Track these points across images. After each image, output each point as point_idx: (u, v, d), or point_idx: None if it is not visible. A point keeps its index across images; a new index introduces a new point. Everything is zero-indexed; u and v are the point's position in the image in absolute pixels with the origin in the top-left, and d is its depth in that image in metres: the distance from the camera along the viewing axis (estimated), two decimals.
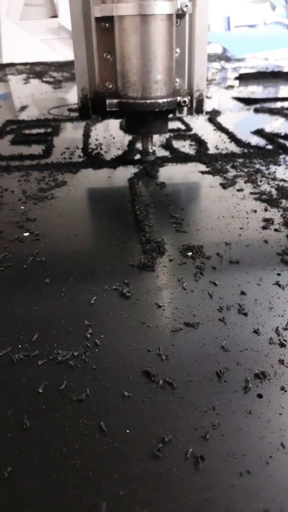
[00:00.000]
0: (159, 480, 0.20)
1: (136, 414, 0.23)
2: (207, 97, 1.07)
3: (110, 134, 0.76)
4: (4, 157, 0.64)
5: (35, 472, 0.20)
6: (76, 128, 0.81)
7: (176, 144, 0.69)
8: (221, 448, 0.21)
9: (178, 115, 0.57)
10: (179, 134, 0.75)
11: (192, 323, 0.29)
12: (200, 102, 0.56)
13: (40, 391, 0.24)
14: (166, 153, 0.65)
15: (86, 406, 0.24)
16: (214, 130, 0.78)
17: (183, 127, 0.79)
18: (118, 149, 0.67)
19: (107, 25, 0.51)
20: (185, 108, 0.56)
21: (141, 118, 0.54)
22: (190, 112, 0.57)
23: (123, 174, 0.57)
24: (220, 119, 0.84)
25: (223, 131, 0.76)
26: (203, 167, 0.59)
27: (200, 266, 0.36)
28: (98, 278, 0.35)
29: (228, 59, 1.93)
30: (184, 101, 0.54)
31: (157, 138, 0.73)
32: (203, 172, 0.57)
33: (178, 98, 0.53)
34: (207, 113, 0.90)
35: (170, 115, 0.58)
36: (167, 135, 0.74)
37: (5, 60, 2.07)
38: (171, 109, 0.54)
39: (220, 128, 0.78)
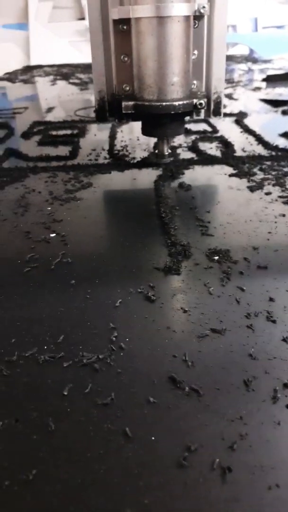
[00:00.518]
0: (185, 490, 0.19)
1: (161, 421, 0.23)
2: (234, 99, 1.06)
3: (135, 135, 0.76)
4: (31, 158, 0.65)
5: (60, 476, 0.20)
6: (102, 129, 0.81)
7: (203, 146, 0.69)
8: (249, 459, 0.21)
9: (195, 117, 0.56)
10: (205, 136, 0.74)
11: (218, 330, 0.29)
12: (218, 104, 0.55)
13: (65, 393, 0.24)
14: (192, 155, 0.64)
15: (111, 410, 0.23)
16: (241, 132, 0.77)
17: (209, 129, 0.79)
18: (144, 150, 0.67)
19: (125, 27, 0.51)
20: (203, 111, 0.55)
21: (157, 121, 0.54)
22: (207, 115, 0.56)
23: (149, 176, 0.57)
24: (247, 121, 0.83)
25: (250, 133, 0.75)
26: (229, 170, 0.58)
27: (227, 271, 0.35)
28: (123, 281, 0.35)
29: (255, 61, 1.91)
30: (201, 104, 0.53)
31: (183, 140, 0.73)
32: (230, 175, 0.56)
33: (195, 101, 0.53)
34: (234, 115, 0.89)
35: (187, 117, 0.58)
36: (193, 137, 0.74)
37: (33, 62, 2.10)
38: (188, 111, 0.53)
39: (247, 130, 0.77)
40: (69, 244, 0.40)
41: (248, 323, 0.30)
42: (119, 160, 0.63)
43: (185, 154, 0.65)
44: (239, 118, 0.85)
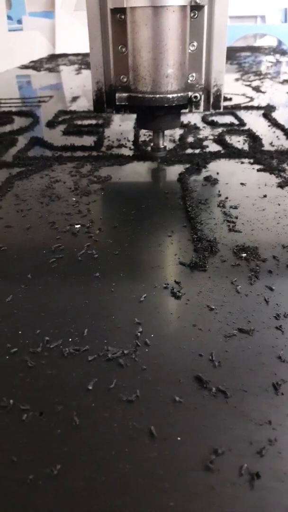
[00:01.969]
0: (211, 495, 0.19)
1: (187, 421, 0.22)
2: (261, 91, 1.04)
3: None
4: (56, 147, 0.64)
5: (83, 473, 0.20)
6: (127, 119, 0.80)
7: (229, 139, 0.67)
8: (278, 466, 0.20)
9: (194, 110, 0.54)
10: (232, 129, 0.73)
11: (246, 330, 0.28)
12: (218, 97, 0.54)
13: (90, 388, 0.24)
14: (219, 148, 0.63)
15: (135, 407, 0.23)
16: (269, 126, 0.75)
17: (236, 121, 0.77)
18: (170, 142, 0.66)
19: (122, 17, 0.50)
20: (202, 104, 0.53)
21: (151, 113, 0.53)
22: (207, 108, 0.55)
23: (174, 169, 0.56)
24: (275, 114, 0.81)
25: (279, 127, 0.73)
26: (258, 164, 0.57)
27: (255, 269, 0.34)
28: (148, 275, 0.34)
29: (283, 52, 1.86)
30: (196, 97, 0.51)
31: (209, 132, 0.71)
32: (258, 170, 0.55)
33: (190, 93, 0.51)
34: (261, 108, 0.86)
35: (185, 110, 0.56)
36: (220, 129, 0.72)
37: (58, 51, 2.10)
38: (183, 104, 0.52)
39: (275, 124, 0.75)
40: (94, 236, 0.40)
41: (277, 324, 0.29)
42: (144, 152, 0.62)
43: (212, 147, 0.64)
44: (267, 112, 0.83)
